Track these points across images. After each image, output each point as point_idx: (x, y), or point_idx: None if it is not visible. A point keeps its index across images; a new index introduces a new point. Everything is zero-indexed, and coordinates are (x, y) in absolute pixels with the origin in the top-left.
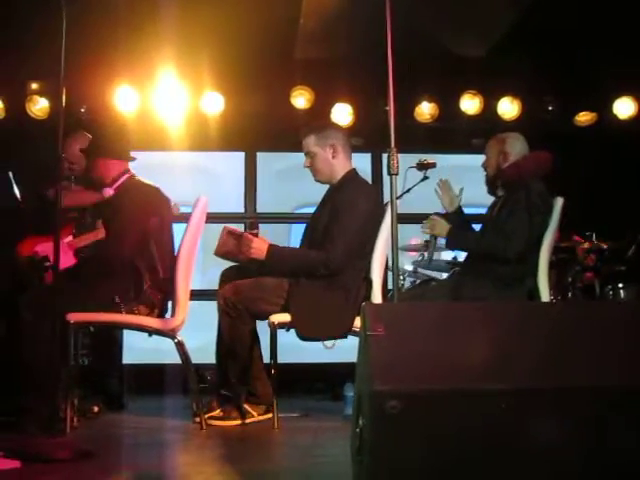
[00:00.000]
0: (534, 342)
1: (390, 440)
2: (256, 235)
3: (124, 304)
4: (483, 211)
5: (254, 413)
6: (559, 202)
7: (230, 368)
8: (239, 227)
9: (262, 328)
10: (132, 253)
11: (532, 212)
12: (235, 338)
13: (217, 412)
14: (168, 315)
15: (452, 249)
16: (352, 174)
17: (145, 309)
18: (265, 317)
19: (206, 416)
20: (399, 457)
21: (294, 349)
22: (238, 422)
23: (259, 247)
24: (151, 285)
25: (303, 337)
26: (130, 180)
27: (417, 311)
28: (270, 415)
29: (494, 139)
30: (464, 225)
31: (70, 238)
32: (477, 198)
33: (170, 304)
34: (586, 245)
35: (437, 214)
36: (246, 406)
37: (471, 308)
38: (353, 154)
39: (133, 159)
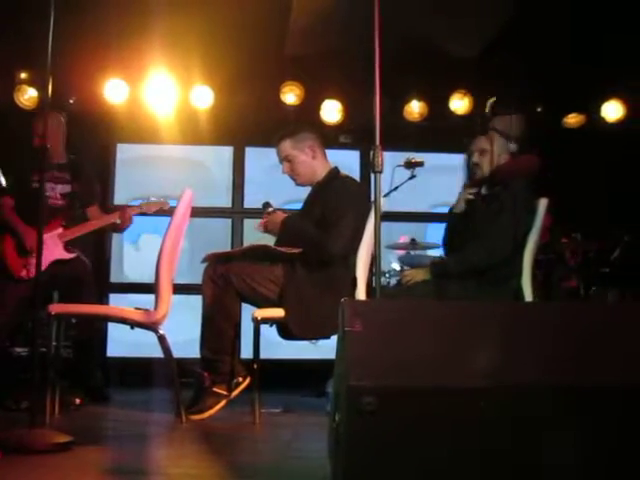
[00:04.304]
0: (512, 341)
1: (365, 436)
2: (273, 212)
3: None
4: None
5: (226, 393)
6: (543, 203)
7: (206, 340)
8: (227, 221)
9: (245, 324)
10: None
11: (517, 213)
12: (218, 307)
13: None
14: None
15: (439, 277)
16: (335, 172)
17: None
18: (253, 297)
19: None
20: (374, 453)
21: (278, 345)
22: (222, 403)
23: (273, 221)
24: None
25: (287, 337)
26: None
27: (395, 308)
28: (248, 381)
29: (490, 136)
30: None
31: (60, 230)
32: None
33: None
34: (572, 246)
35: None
36: (215, 389)
37: (450, 306)
38: (342, 151)
39: None
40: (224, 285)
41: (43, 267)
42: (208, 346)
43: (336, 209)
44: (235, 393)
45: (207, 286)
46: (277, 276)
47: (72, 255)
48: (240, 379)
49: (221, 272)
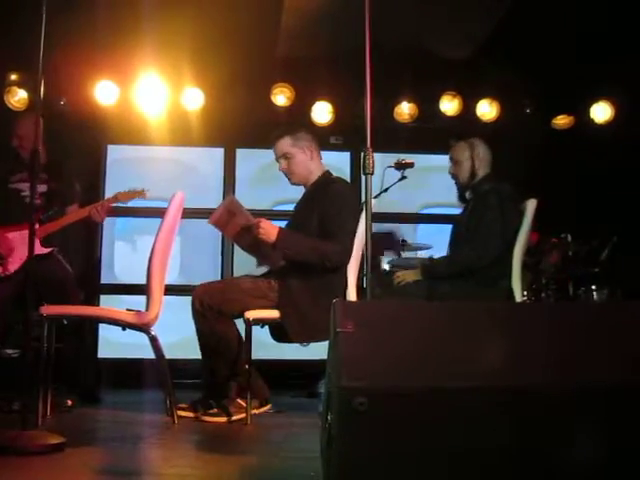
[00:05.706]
0: (504, 341)
1: (357, 436)
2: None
3: None
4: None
5: (247, 407)
6: (532, 204)
7: (217, 368)
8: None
9: (237, 326)
10: None
11: (505, 215)
12: (217, 337)
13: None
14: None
15: (430, 278)
16: (328, 175)
17: None
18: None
19: (179, 412)
20: (366, 453)
21: (269, 346)
22: (223, 419)
23: (268, 229)
24: None
25: (280, 340)
26: None
27: (387, 309)
28: (267, 407)
29: (460, 145)
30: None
31: (36, 227)
32: (453, 199)
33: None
34: (561, 247)
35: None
36: (239, 401)
37: (441, 307)
38: (332, 152)
39: None
40: (214, 316)
41: (20, 264)
42: (219, 374)
43: (336, 217)
44: (255, 412)
45: (198, 320)
46: (270, 290)
47: (48, 250)
48: (263, 402)
49: (209, 305)
